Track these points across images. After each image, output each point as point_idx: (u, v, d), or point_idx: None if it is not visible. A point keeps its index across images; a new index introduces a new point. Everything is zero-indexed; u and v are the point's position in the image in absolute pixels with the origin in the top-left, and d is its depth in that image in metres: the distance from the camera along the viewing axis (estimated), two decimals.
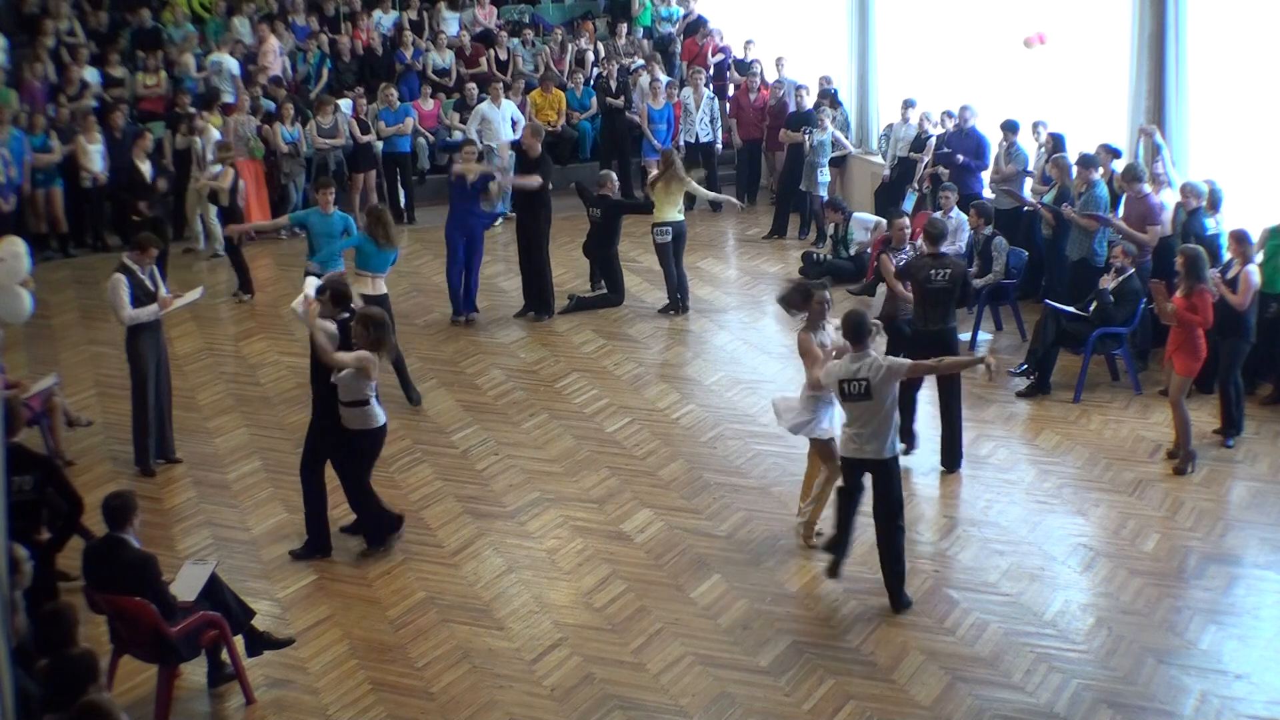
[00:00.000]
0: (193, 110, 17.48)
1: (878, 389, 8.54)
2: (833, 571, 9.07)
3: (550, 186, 14.48)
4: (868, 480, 8.79)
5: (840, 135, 17.38)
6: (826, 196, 16.82)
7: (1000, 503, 10.27)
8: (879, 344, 10.00)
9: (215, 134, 16.87)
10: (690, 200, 18.71)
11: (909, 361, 8.88)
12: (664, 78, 18.74)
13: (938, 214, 14.28)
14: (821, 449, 9.50)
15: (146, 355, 10.82)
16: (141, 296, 10.68)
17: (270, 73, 18.64)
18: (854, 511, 8.94)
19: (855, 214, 15.89)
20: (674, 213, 14.44)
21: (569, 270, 15.72)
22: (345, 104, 18.25)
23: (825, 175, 16.93)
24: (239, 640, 8.18)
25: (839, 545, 9.02)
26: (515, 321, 14.51)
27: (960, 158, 15.13)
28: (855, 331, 8.70)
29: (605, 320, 14.48)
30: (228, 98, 18.11)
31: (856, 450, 8.69)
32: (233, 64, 18.72)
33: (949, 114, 15.90)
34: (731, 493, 10.52)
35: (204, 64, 18.81)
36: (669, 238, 14.36)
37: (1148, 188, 12.50)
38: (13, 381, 10.79)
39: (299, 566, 9.58)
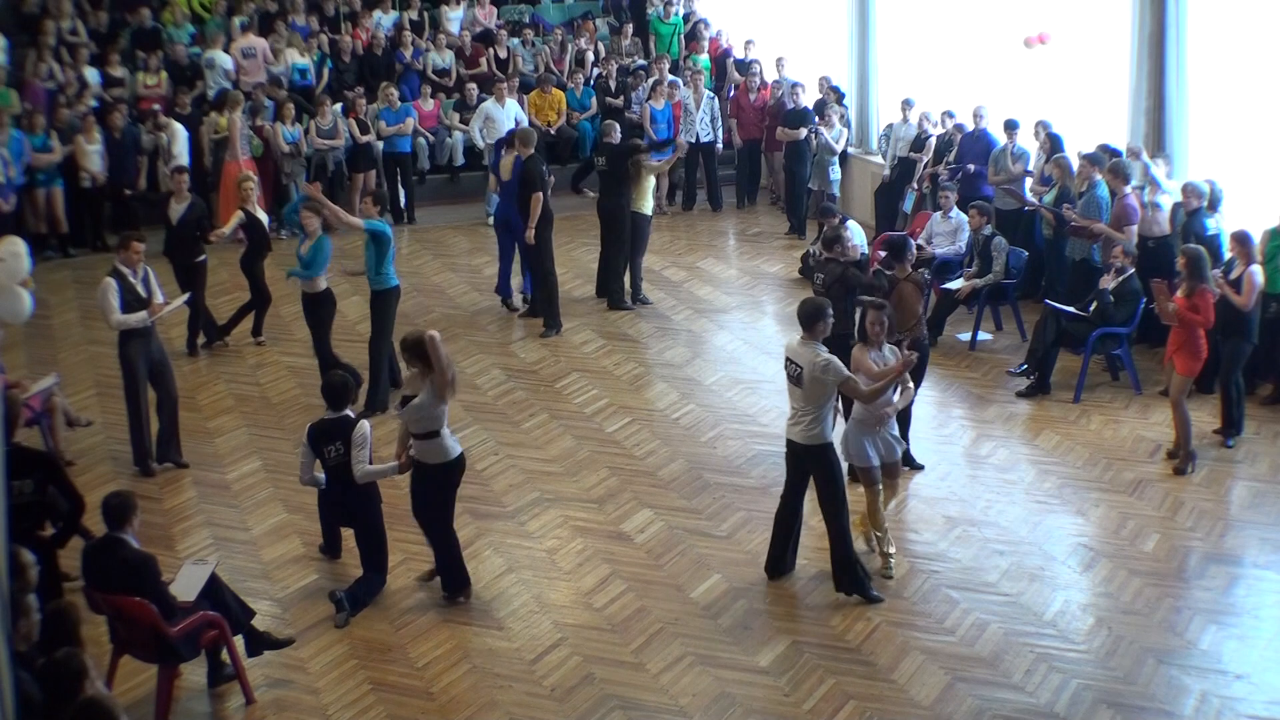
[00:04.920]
0: (157, 108, 17.54)
1: (806, 378, 8.69)
2: (769, 567, 9.29)
3: (549, 191, 14.38)
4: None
5: (828, 134, 17.18)
6: (838, 194, 16.84)
7: (1000, 503, 10.27)
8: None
9: (181, 130, 16.88)
10: (682, 194, 18.87)
11: (847, 376, 8.74)
12: (669, 77, 18.74)
13: (937, 214, 14.36)
14: (862, 476, 9.28)
15: (136, 360, 10.78)
16: (132, 301, 10.61)
17: (265, 72, 18.66)
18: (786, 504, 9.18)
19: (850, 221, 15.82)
20: (646, 206, 14.90)
21: (569, 270, 15.72)
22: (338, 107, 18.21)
23: (836, 172, 16.92)
24: (239, 640, 8.18)
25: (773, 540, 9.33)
26: (516, 321, 14.51)
27: (972, 167, 15.10)
28: (807, 319, 8.80)
29: (605, 320, 14.48)
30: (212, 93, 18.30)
31: (791, 431, 8.96)
32: (225, 60, 18.75)
33: (949, 114, 15.92)
34: (731, 493, 10.52)
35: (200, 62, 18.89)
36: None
37: (1129, 189, 12.50)
38: (13, 381, 10.78)
39: (299, 566, 9.58)
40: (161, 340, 11.18)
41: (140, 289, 10.69)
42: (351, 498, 9.02)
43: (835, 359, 8.71)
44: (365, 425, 8.97)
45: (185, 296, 11.54)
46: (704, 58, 19.85)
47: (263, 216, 13.80)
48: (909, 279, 10.78)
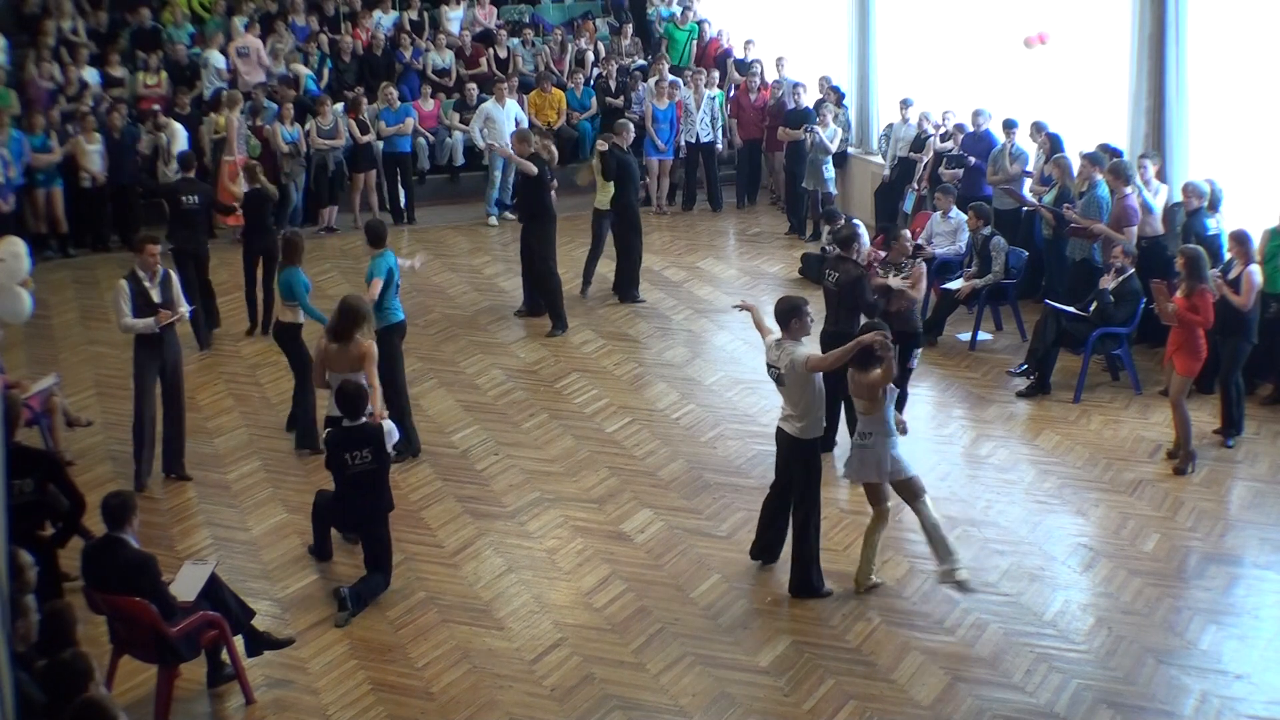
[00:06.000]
0: (156, 108, 17.55)
1: (788, 378, 8.75)
2: (754, 552, 9.40)
3: (554, 185, 14.36)
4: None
5: (823, 134, 17.09)
6: (835, 192, 16.83)
7: (1000, 503, 10.27)
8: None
9: (181, 130, 16.90)
10: (682, 194, 18.84)
11: (809, 355, 8.82)
12: (669, 77, 18.73)
13: (937, 214, 14.36)
14: (871, 493, 9.18)
15: (145, 368, 10.55)
16: (143, 306, 10.38)
17: (261, 71, 18.65)
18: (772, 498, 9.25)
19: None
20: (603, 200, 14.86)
21: (569, 270, 15.70)
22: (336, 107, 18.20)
23: (830, 171, 16.91)
24: (239, 640, 8.18)
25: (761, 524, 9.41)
26: (515, 321, 14.50)
27: (972, 160, 15.13)
28: (782, 317, 8.85)
29: (605, 320, 14.48)
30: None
31: (781, 421, 9.01)
32: (219, 60, 18.77)
33: (949, 113, 15.91)
34: (731, 493, 10.52)
35: (198, 61, 18.90)
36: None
37: (1130, 190, 12.50)
38: (13, 381, 10.77)
39: (299, 566, 9.58)
40: (179, 348, 10.91)
41: (155, 294, 10.43)
42: (368, 505, 9.01)
43: (797, 349, 8.78)
44: (386, 423, 9.06)
45: (188, 309, 11.14)
46: (718, 92, 18.92)
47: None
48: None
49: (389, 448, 9.11)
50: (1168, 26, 13.02)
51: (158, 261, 10.54)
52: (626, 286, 15.01)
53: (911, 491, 8.98)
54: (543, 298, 14.28)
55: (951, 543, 8.92)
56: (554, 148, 15.36)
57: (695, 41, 20.57)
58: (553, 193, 14.33)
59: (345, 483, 8.99)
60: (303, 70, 18.98)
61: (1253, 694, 7.91)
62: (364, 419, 8.96)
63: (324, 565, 9.57)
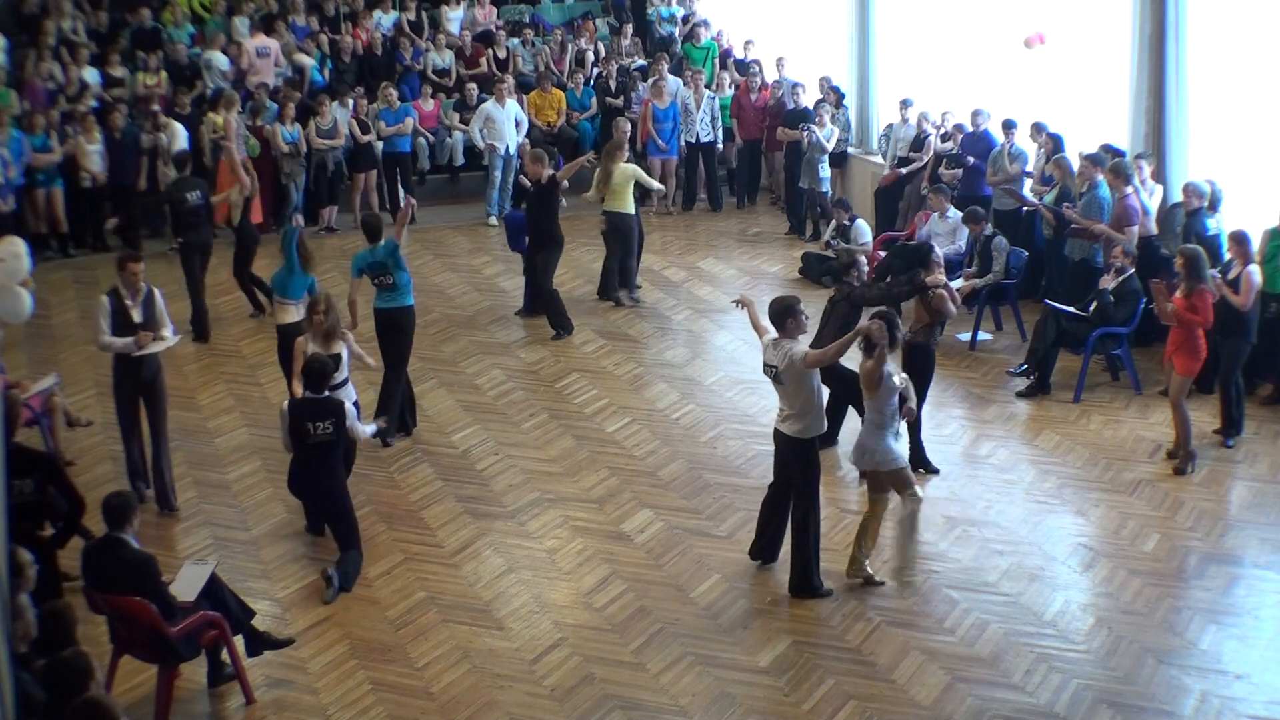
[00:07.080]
0: (155, 109, 17.55)
1: (785, 376, 8.76)
2: (754, 553, 9.41)
3: (562, 203, 14.29)
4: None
5: (820, 133, 17.06)
6: (830, 191, 16.83)
7: (1000, 503, 10.27)
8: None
9: (181, 130, 16.90)
10: (682, 194, 18.81)
11: (806, 351, 8.80)
12: (669, 77, 18.70)
13: (935, 215, 14.35)
14: (869, 482, 9.25)
15: (122, 386, 10.20)
16: (123, 324, 10.01)
17: (260, 77, 18.63)
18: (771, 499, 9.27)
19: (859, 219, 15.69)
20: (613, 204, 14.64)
21: (569, 270, 15.70)
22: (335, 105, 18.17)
23: (825, 170, 16.90)
24: (239, 640, 8.19)
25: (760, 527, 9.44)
26: (515, 321, 14.50)
27: (971, 160, 15.14)
28: (777, 317, 8.86)
29: (605, 320, 14.48)
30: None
31: (778, 423, 9.02)
32: (222, 61, 18.76)
33: (949, 113, 15.91)
34: (731, 493, 10.52)
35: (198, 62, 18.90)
36: (604, 227, 14.78)
37: (1130, 189, 12.51)
38: (13, 381, 10.77)
39: (299, 566, 9.58)
40: (158, 364, 10.35)
41: (137, 313, 10.06)
42: (323, 478, 9.28)
43: (795, 346, 8.77)
44: (346, 402, 9.44)
45: (175, 339, 10.83)
46: (727, 94, 18.82)
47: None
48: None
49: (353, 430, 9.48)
50: (1168, 26, 13.02)
51: (140, 280, 10.14)
52: (625, 287, 14.99)
53: (901, 481, 9.04)
54: (546, 310, 14.14)
55: (913, 551, 9.08)
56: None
57: (716, 60, 20.26)
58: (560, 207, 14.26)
59: (305, 450, 9.22)
60: (307, 61, 18.97)
61: (1253, 694, 7.92)
62: (327, 393, 9.34)
63: (327, 562, 9.57)
